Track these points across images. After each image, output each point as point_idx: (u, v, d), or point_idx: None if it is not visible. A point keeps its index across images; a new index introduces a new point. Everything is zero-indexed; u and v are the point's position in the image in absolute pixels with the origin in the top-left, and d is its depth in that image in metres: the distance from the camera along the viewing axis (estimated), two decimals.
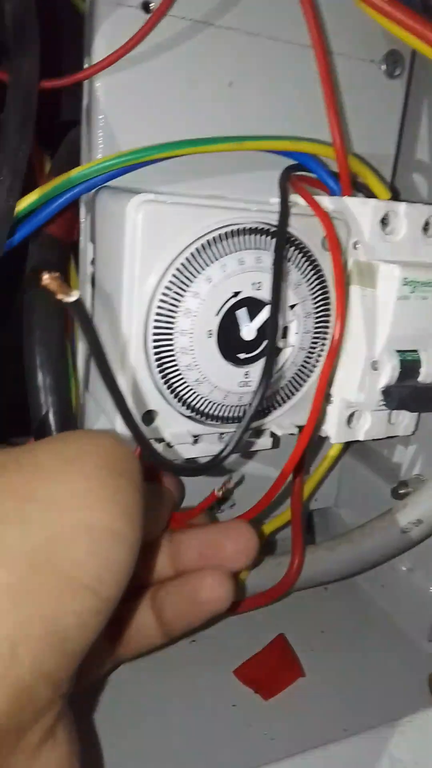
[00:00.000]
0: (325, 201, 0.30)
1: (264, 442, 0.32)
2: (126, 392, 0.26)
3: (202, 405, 0.28)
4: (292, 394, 0.30)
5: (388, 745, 0.27)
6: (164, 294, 0.26)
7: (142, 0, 0.28)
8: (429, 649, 0.35)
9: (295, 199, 0.29)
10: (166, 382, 0.27)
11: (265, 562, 0.35)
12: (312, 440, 0.29)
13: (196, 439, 0.30)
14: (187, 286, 0.26)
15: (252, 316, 0.27)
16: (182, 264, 0.25)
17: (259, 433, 0.32)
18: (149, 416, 0.28)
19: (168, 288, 0.26)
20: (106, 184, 0.28)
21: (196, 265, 0.26)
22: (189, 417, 0.28)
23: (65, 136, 0.36)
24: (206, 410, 0.28)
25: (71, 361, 0.34)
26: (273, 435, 0.32)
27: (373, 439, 0.31)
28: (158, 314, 0.26)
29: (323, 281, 0.29)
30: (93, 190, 0.29)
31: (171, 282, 0.26)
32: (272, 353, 0.26)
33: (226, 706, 0.31)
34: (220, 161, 0.31)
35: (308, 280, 0.28)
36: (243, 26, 0.30)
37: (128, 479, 0.19)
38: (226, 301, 0.27)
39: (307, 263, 0.28)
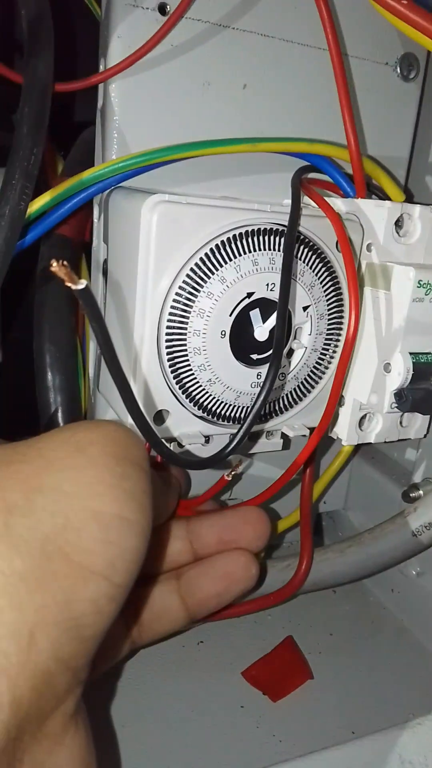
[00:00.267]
0: (339, 203, 0.30)
1: (275, 443, 0.32)
2: (138, 391, 0.27)
3: (214, 405, 0.28)
4: (304, 395, 0.30)
5: (396, 747, 0.27)
6: (178, 294, 0.26)
7: (158, 2, 0.28)
8: None
9: (309, 200, 0.29)
10: (178, 382, 0.27)
11: (273, 564, 0.35)
12: (323, 440, 0.29)
13: (208, 439, 0.30)
14: (201, 286, 0.26)
15: (265, 317, 0.27)
16: (196, 264, 0.25)
17: (269, 434, 0.32)
18: (161, 416, 0.28)
19: (182, 288, 0.26)
20: (119, 185, 0.28)
21: (211, 266, 0.26)
22: (201, 417, 0.28)
23: (78, 137, 0.36)
24: (218, 411, 0.28)
25: (81, 361, 0.34)
26: (284, 436, 0.32)
27: (385, 442, 0.31)
28: (172, 314, 0.26)
29: (337, 283, 0.29)
30: (106, 191, 0.29)
31: (185, 282, 0.26)
32: (278, 351, 0.26)
33: (234, 707, 0.31)
34: (233, 163, 0.31)
35: (322, 281, 0.28)
36: (258, 28, 0.30)
37: (136, 466, 0.19)
38: (240, 302, 0.27)
39: (321, 264, 0.28)
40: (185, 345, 0.26)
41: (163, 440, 0.24)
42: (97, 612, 0.18)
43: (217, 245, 0.26)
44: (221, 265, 0.26)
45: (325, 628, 0.37)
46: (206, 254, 0.26)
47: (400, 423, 0.31)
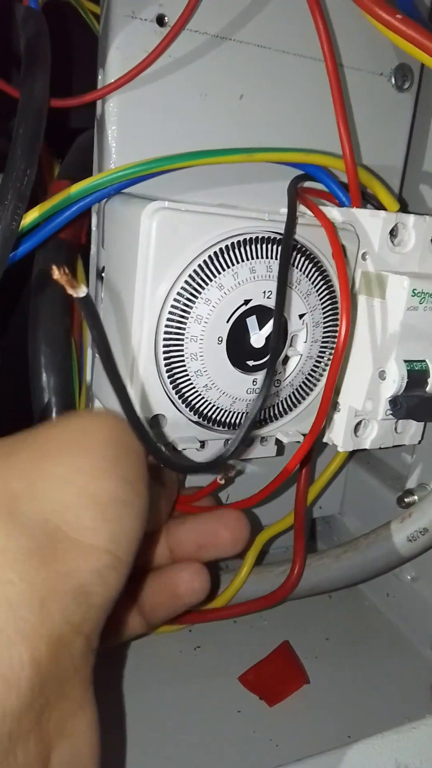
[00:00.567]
0: (335, 212, 0.30)
1: (269, 449, 0.32)
2: (135, 396, 0.27)
3: (209, 411, 0.28)
4: (299, 402, 0.31)
5: (392, 751, 0.27)
6: (176, 300, 0.26)
7: (157, 13, 0.28)
8: None
9: (305, 209, 0.29)
10: (174, 387, 0.27)
11: (270, 569, 0.35)
12: (317, 444, 0.29)
13: (203, 444, 0.30)
14: (199, 292, 0.26)
15: (262, 324, 0.28)
16: (195, 271, 0.26)
17: (264, 440, 0.32)
18: (157, 420, 0.28)
19: (180, 294, 0.26)
20: None
21: (209, 273, 0.26)
22: (196, 422, 0.28)
23: (74, 142, 0.36)
24: (214, 416, 0.29)
25: (77, 364, 0.34)
26: (278, 442, 0.32)
27: (380, 448, 0.32)
28: (169, 320, 0.26)
29: (333, 291, 0.29)
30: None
31: (183, 288, 0.26)
32: (274, 359, 0.26)
33: (231, 712, 0.31)
34: (230, 172, 0.31)
35: (318, 289, 0.29)
36: (254, 40, 0.31)
37: (130, 452, 0.21)
38: (237, 309, 0.27)
39: (317, 273, 0.28)
40: (182, 350, 0.27)
41: (159, 445, 0.24)
42: (103, 582, 0.19)
43: (215, 252, 0.26)
44: (219, 272, 0.26)
45: (321, 632, 0.37)
46: (204, 261, 0.26)
47: (395, 429, 0.31)
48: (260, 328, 0.28)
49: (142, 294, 0.26)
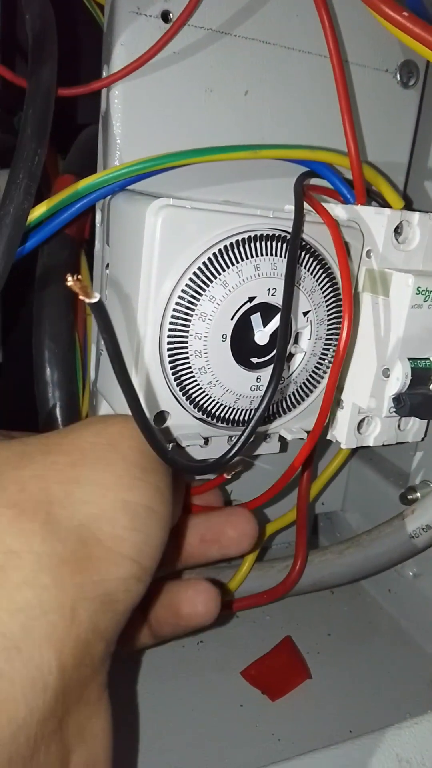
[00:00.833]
0: (340, 210, 0.30)
1: (272, 446, 0.32)
2: (139, 393, 0.27)
3: (213, 407, 0.28)
4: (303, 399, 0.31)
5: (394, 746, 0.27)
6: (180, 297, 0.26)
7: (161, 10, 0.28)
8: None
9: (309, 206, 0.29)
10: (179, 384, 0.27)
11: (272, 564, 0.36)
12: (320, 441, 0.29)
13: (207, 441, 0.30)
14: (204, 290, 0.26)
15: (266, 321, 0.28)
16: (199, 268, 0.26)
17: (267, 437, 0.32)
18: (161, 417, 0.28)
19: (184, 291, 0.26)
20: None
21: (213, 270, 0.26)
22: (200, 419, 0.29)
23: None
24: (217, 413, 0.29)
25: (81, 360, 0.34)
26: (281, 439, 0.32)
27: (383, 445, 0.32)
28: (174, 317, 0.26)
29: (337, 288, 0.29)
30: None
31: (187, 286, 0.26)
32: (281, 359, 0.26)
33: (233, 706, 0.31)
34: (235, 168, 0.31)
35: (322, 287, 0.29)
36: (259, 35, 0.30)
37: (161, 462, 0.22)
38: (241, 306, 0.27)
39: (321, 270, 0.28)
40: (186, 348, 0.27)
41: (166, 445, 0.24)
42: (127, 590, 0.20)
43: (219, 250, 0.26)
44: (224, 270, 0.26)
45: (324, 628, 0.37)
46: (209, 258, 0.26)
47: (398, 427, 0.31)
48: (264, 326, 0.28)
49: (146, 291, 0.26)
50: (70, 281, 0.17)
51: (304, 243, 0.28)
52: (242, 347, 0.28)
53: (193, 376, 0.27)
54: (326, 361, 0.30)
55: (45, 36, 0.26)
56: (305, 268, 0.28)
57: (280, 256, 0.27)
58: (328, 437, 0.32)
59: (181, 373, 0.27)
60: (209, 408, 0.28)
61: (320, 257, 0.28)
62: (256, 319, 0.28)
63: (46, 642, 0.17)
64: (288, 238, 0.27)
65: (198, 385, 0.28)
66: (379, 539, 0.33)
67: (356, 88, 0.33)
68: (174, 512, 0.28)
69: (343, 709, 0.32)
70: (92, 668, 0.19)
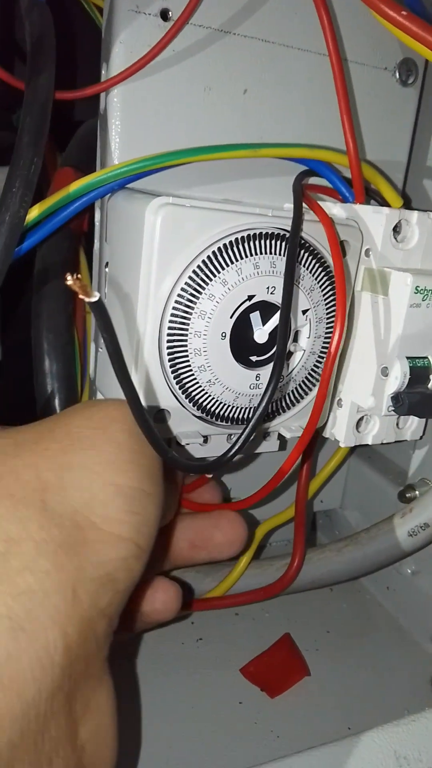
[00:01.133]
0: (338, 208, 0.30)
1: (271, 444, 0.32)
2: (138, 391, 0.27)
3: (213, 406, 0.28)
4: (302, 397, 0.31)
5: (392, 742, 0.27)
6: (180, 296, 0.26)
7: (160, 8, 0.28)
8: None
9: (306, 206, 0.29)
10: (178, 383, 0.27)
11: (271, 562, 0.36)
12: (319, 439, 0.29)
13: (206, 439, 0.30)
14: (203, 288, 0.26)
15: (265, 319, 0.28)
16: (198, 266, 0.26)
17: (266, 435, 0.32)
18: (161, 415, 0.28)
19: (184, 290, 0.26)
20: None
21: (213, 268, 0.26)
22: (199, 417, 0.29)
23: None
24: (217, 411, 0.29)
25: (79, 355, 0.34)
26: (280, 437, 0.32)
27: (381, 443, 0.32)
28: (173, 315, 0.26)
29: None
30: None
31: (187, 284, 0.26)
32: (281, 357, 0.26)
33: (232, 703, 0.31)
34: (234, 166, 0.31)
35: (321, 285, 0.29)
36: (258, 34, 0.30)
37: (148, 443, 0.22)
38: (241, 304, 0.27)
39: (320, 268, 0.28)
40: (186, 346, 0.27)
41: (166, 445, 0.24)
42: (127, 569, 0.20)
43: (219, 248, 0.26)
44: (223, 268, 0.26)
45: (322, 625, 0.37)
46: (208, 257, 0.26)
47: (397, 425, 0.31)
48: (264, 324, 0.28)
49: (146, 289, 0.26)
50: (69, 280, 0.17)
51: (303, 241, 0.28)
52: (241, 345, 0.28)
53: (193, 375, 0.27)
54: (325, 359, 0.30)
55: (43, 42, 0.27)
56: (304, 266, 0.28)
57: (279, 254, 0.27)
58: (327, 435, 0.33)
59: (180, 371, 0.27)
60: (209, 406, 0.28)
61: (319, 255, 0.28)
62: (255, 317, 0.28)
63: (50, 622, 0.18)
64: (286, 236, 0.27)
65: (197, 383, 0.28)
66: (378, 537, 0.33)
67: (355, 86, 0.33)
68: (167, 513, 0.29)
69: (341, 706, 0.32)
70: (96, 644, 0.20)
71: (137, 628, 0.30)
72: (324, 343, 0.30)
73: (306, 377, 0.30)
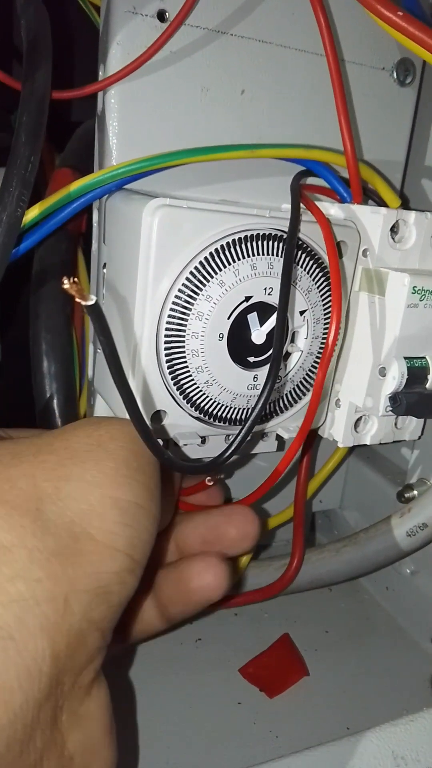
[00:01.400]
0: (335, 208, 0.30)
1: (269, 444, 0.32)
2: (136, 392, 0.27)
3: (210, 406, 0.29)
4: (300, 398, 0.31)
5: (390, 743, 0.27)
6: (177, 297, 0.26)
7: (157, 9, 0.28)
8: (431, 649, 0.36)
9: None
10: (176, 383, 0.27)
11: (270, 562, 0.36)
12: (312, 438, 0.29)
13: (204, 439, 0.30)
14: (200, 289, 0.26)
15: (262, 320, 0.28)
16: (196, 268, 0.26)
17: (264, 435, 0.32)
18: (158, 416, 0.28)
19: (181, 291, 0.26)
20: None
21: (210, 270, 0.26)
22: (197, 418, 0.29)
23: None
24: (214, 412, 0.29)
25: (76, 350, 0.34)
26: (278, 438, 0.32)
27: (380, 444, 0.32)
28: (170, 317, 0.26)
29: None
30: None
31: (184, 285, 0.26)
32: (277, 358, 0.26)
33: (231, 703, 0.32)
34: (231, 167, 0.31)
35: (318, 286, 0.29)
36: (255, 34, 0.30)
37: (149, 462, 0.22)
38: (238, 305, 0.27)
39: (317, 269, 0.28)
40: (183, 347, 0.27)
41: (162, 446, 0.24)
42: (121, 582, 0.20)
43: (216, 249, 0.26)
44: (220, 269, 0.26)
45: (321, 625, 0.37)
46: (206, 258, 0.26)
47: (395, 425, 0.31)
48: (261, 325, 0.28)
49: (143, 291, 0.26)
50: (66, 284, 0.17)
51: (300, 242, 0.28)
52: (239, 346, 0.28)
53: (190, 375, 0.27)
54: None
55: (40, 41, 0.26)
56: (302, 267, 0.28)
57: (277, 255, 0.27)
58: (325, 436, 0.33)
59: (178, 372, 0.27)
60: (206, 407, 0.28)
61: (317, 256, 0.28)
62: (252, 318, 0.28)
63: (39, 631, 0.18)
64: (284, 237, 0.27)
65: (195, 384, 0.28)
66: (377, 537, 0.33)
67: (353, 86, 0.33)
68: (164, 514, 0.29)
69: (340, 706, 0.32)
70: (87, 656, 0.20)
71: (181, 614, 0.29)
72: (321, 343, 0.30)
73: (304, 378, 0.30)
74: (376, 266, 0.29)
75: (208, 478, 0.31)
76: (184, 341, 0.27)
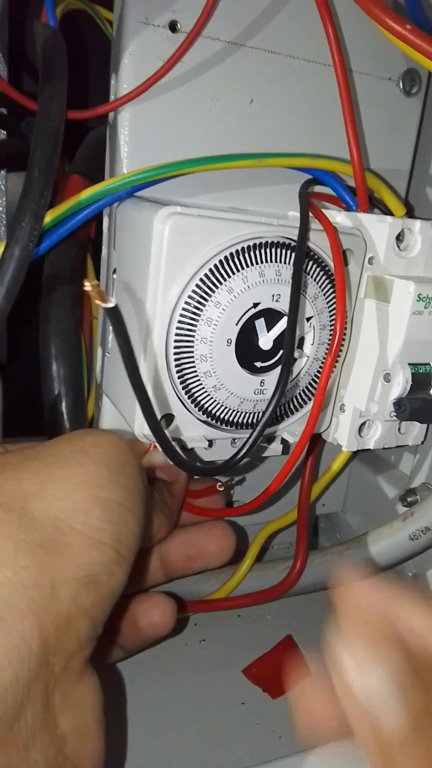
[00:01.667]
0: (341, 216, 0.31)
1: (275, 448, 0.33)
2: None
3: (218, 410, 0.29)
4: (305, 402, 0.31)
5: None
6: (187, 303, 0.26)
7: (169, 20, 0.29)
8: None
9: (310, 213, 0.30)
10: (184, 388, 0.28)
11: (275, 564, 0.36)
12: (316, 442, 0.30)
13: (211, 443, 0.31)
14: (209, 296, 0.27)
15: (270, 326, 0.28)
16: (205, 275, 0.26)
17: (270, 439, 0.33)
18: (167, 419, 0.28)
19: (191, 297, 0.26)
20: None
21: (219, 276, 0.27)
22: (205, 422, 0.29)
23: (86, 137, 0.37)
24: (222, 416, 0.29)
25: (85, 359, 0.35)
26: (284, 441, 0.33)
27: (383, 448, 0.32)
28: (180, 322, 0.27)
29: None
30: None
31: (194, 292, 0.26)
32: (288, 362, 0.27)
33: (235, 704, 0.32)
34: (240, 175, 0.32)
35: (325, 293, 0.29)
36: (264, 45, 0.31)
37: (132, 469, 0.23)
38: (246, 312, 0.27)
39: (324, 277, 0.29)
40: (192, 352, 0.27)
41: (176, 448, 0.25)
42: (109, 573, 0.21)
43: (225, 257, 0.26)
44: (229, 276, 0.27)
45: (324, 627, 0.38)
46: (215, 265, 0.26)
47: (399, 430, 0.32)
48: (268, 331, 0.28)
49: (153, 296, 0.26)
50: (88, 286, 0.17)
51: (307, 250, 0.28)
52: (247, 352, 0.28)
53: (199, 380, 0.28)
54: None
55: (54, 65, 0.27)
56: (309, 274, 0.28)
57: (285, 262, 0.28)
58: (329, 440, 0.33)
59: (186, 376, 0.28)
60: (214, 411, 0.29)
61: (323, 264, 0.29)
62: (260, 324, 0.28)
63: (27, 612, 0.19)
64: (291, 245, 0.28)
65: (203, 388, 0.28)
66: (379, 541, 0.34)
67: (359, 95, 0.33)
68: (162, 529, 0.29)
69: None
70: (77, 641, 0.20)
71: (135, 648, 0.31)
72: (327, 349, 0.30)
73: (309, 383, 0.31)
74: (381, 274, 0.30)
75: (219, 483, 0.31)
76: (193, 346, 0.27)
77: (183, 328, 0.27)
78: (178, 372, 0.27)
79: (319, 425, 0.32)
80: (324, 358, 0.30)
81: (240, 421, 0.30)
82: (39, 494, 0.21)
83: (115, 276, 0.31)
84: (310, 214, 0.29)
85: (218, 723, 0.31)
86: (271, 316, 0.28)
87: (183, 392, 0.28)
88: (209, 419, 0.29)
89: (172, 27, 0.29)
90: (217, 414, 0.29)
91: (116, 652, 0.30)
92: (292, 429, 0.32)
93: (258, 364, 0.29)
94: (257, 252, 0.27)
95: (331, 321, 0.30)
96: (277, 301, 0.28)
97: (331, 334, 0.30)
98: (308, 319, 0.29)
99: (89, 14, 0.33)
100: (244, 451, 0.26)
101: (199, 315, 0.27)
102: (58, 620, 0.20)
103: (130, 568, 0.22)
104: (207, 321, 0.27)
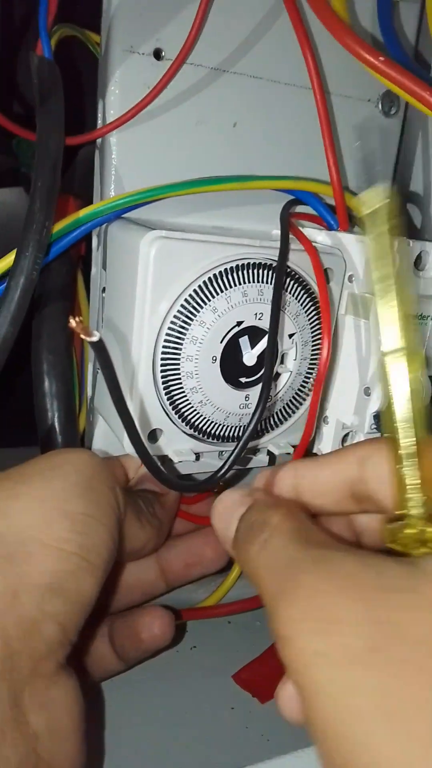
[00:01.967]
0: (323, 236, 0.32)
1: (261, 459, 0.34)
2: (134, 412, 0.28)
3: (204, 425, 0.30)
4: (289, 416, 0.32)
5: None
6: (173, 322, 0.27)
7: (154, 48, 0.30)
8: None
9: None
10: (171, 403, 0.29)
11: None
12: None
13: (198, 456, 0.32)
14: (195, 315, 0.28)
15: (253, 343, 0.29)
16: (190, 296, 0.27)
17: (256, 451, 0.33)
18: (155, 434, 0.29)
19: (176, 317, 0.27)
20: None
21: (204, 297, 0.27)
22: (191, 436, 0.30)
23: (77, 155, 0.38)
24: (208, 430, 0.30)
25: (77, 375, 0.36)
26: (269, 453, 0.34)
27: None
28: (167, 341, 0.28)
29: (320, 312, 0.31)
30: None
31: (179, 311, 0.27)
32: (268, 379, 0.28)
33: (224, 708, 0.33)
34: (224, 195, 0.33)
35: (306, 310, 0.30)
36: (247, 70, 0.32)
37: (103, 483, 0.25)
38: (230, 330, 0.28)
39: (305, 294, 0.30)
40: (179, 369, 0.28)
41: (160, 465, 0.26)
42: (78, 580, 0.22)
43: (209, 278, 0.27)
44: (213, 296, 0.28)
45: None
46: (199, 286, 0.27)
47: None
48: (252, 348, 0.29)
49: (141, 316, 0.27)
50: (72, 323, 0.18)
51: (289, 270, 0.29)
52: (231, 368, 0.29)
53: (185, 396, 0.29)
54: (311, 379, 0.32)
55: (51, 98, 0.27)
56: (290, 293, 0.30)
57: (267, 282, 0.29)
58: (315, 451, 0.34)
59: (173, 392, 0.29)
60: (200, 425, 0.30)
61: (304, 283, 0.30)
62: (244, 341, 0.29)
63: None
64: (273, 265, 0.29)
65: (189, 404, 0.29)
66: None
67: (339, 117, 0.34)
68: (154, 541, 0.30)
69: None
70: (45, 645, 0.21)
71: (135, 660, 0.32)
72: (310, 364, 0.31)
73: (293, 397, 0.32)
74: (360, 291, 0.31)
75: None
76: (179, 364, 0.28)
77: (169, 347, 0.28)
78: (165, 388, 0.28)
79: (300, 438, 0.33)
80: (307, 373, 0.31)
81: (226, 434, 0.31)
82: (3, 512, 0.22)
83: (104, 294, 0.32)
84: (292, 236, 0.30)
85: (208, 727, 0.31)
86: (254, 334, 0.29)
87: (170, 408, 0.29)
88: (196, 433, 0.30)
89: (157, 55, 0.30)
90: (204, 428, 0.30)
91: (118, 665, 0.31)
92: (277, 441, 0.33)
93: (243, 380, 0.30)
94: (240, 273, 0.28)
95: (312, 337, 0.31)
96: (260, 319, 0.29)
97: (313, 350, 0.31)
98: (290, 336, 0.30)
99: (82, 41, 0.34)
100: (227, 465, 0.27)
101: (184, 334, 0.28)
102: (22, 624, 0.21)
103: (103, 575, 0.24)
104: (192, 339, 0.28)
